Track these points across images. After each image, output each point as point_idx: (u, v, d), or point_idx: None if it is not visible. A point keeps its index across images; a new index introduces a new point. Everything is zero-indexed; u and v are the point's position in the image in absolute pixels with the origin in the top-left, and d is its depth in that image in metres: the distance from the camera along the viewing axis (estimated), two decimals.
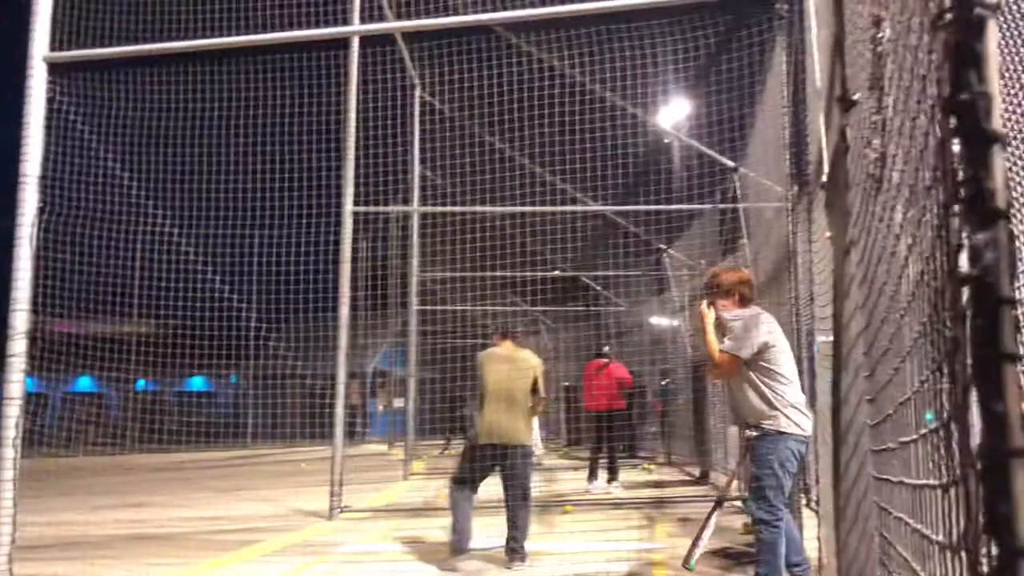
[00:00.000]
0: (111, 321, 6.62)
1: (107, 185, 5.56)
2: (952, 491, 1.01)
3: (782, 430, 4.27)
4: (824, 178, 2.79)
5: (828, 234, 2.76)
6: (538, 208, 8.83)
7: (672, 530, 7.40)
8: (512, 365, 5.97)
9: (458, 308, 14.31)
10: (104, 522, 8.76)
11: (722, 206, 9.29)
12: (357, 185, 8.64)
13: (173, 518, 8.72)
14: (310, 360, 7.88)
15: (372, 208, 8.63)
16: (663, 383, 15.75)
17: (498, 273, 12.86)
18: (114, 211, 5.80)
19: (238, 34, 5.31)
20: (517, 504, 5.78)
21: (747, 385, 4.38)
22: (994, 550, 0.85)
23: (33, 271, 4.54)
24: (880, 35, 1.68)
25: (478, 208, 8.83)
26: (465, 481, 5.86)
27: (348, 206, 8.58)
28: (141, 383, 25.67)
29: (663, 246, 13.93)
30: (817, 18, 3.14)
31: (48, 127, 4.62)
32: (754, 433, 4.36)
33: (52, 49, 4.65)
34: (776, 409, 4.30)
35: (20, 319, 4.51)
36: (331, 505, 8.53)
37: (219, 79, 5.63)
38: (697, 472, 11.65)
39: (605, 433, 10.25)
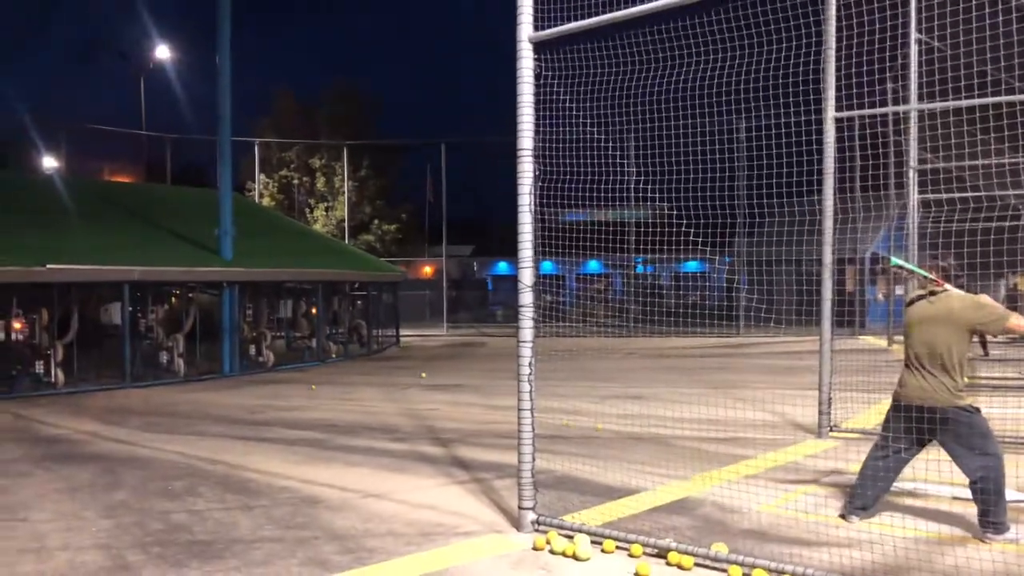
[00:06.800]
0: (613, 210, 7.56)
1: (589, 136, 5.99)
2: None
3: None
4: None
5: None
6: None
7: None
8: (930, 313, 5.09)
9: (968, 195, 12.42)
10: (609, 416, 9.92)
11: None
12: (839, 88, 7.92)
13: (667, 418, 9.46)
14: (800, 246, 7.70)
15: (857, 112, 7.82)
16: None
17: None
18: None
19: None
20: (969, 475, 4.94)
21: None
22: None
23: (533, 234, 5.16)
24: None
25: (1002, 98, 7.35)
26: (886, 442, 5.25)
27: (830, 112, 7.94)
28: (640, 267, 28.04)
29: None
30: None
31: (536, 102, 5.09)
32: None
33: (536, 29, 5.05)
34: None
35: (526, 275, 5.18)
36: (819, 422, 8.38)
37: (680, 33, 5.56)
38: None
39: None
